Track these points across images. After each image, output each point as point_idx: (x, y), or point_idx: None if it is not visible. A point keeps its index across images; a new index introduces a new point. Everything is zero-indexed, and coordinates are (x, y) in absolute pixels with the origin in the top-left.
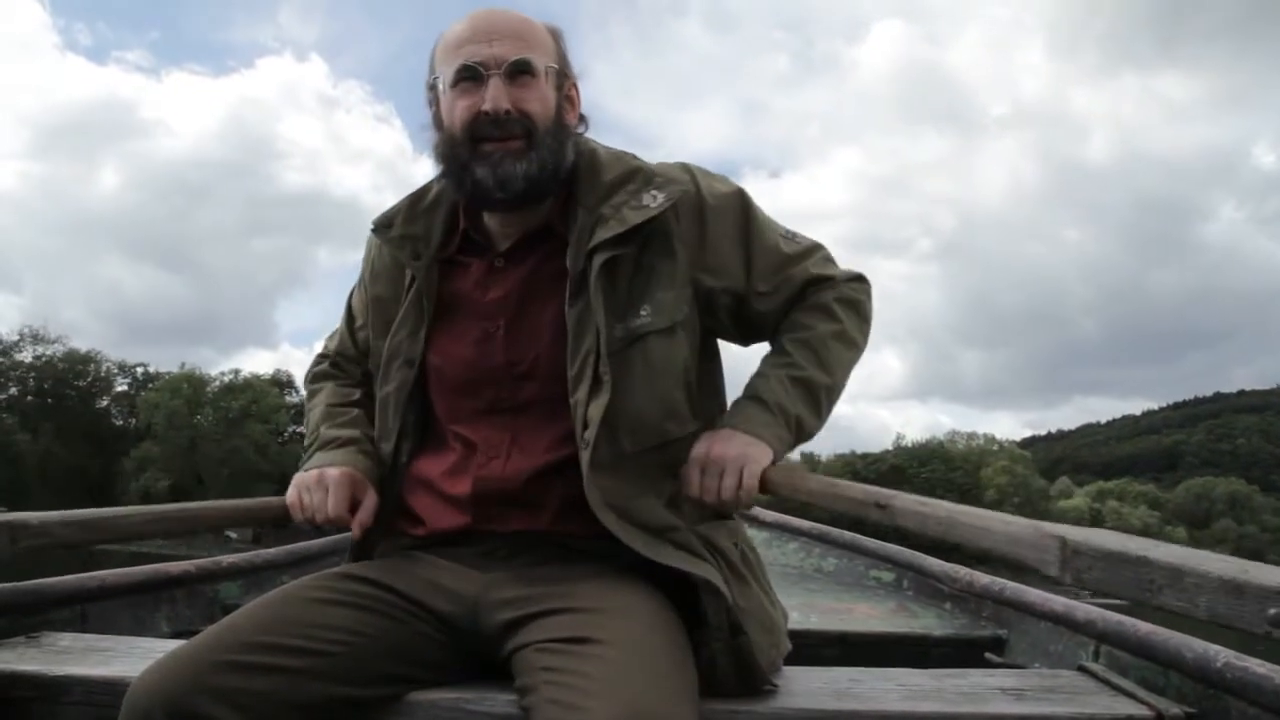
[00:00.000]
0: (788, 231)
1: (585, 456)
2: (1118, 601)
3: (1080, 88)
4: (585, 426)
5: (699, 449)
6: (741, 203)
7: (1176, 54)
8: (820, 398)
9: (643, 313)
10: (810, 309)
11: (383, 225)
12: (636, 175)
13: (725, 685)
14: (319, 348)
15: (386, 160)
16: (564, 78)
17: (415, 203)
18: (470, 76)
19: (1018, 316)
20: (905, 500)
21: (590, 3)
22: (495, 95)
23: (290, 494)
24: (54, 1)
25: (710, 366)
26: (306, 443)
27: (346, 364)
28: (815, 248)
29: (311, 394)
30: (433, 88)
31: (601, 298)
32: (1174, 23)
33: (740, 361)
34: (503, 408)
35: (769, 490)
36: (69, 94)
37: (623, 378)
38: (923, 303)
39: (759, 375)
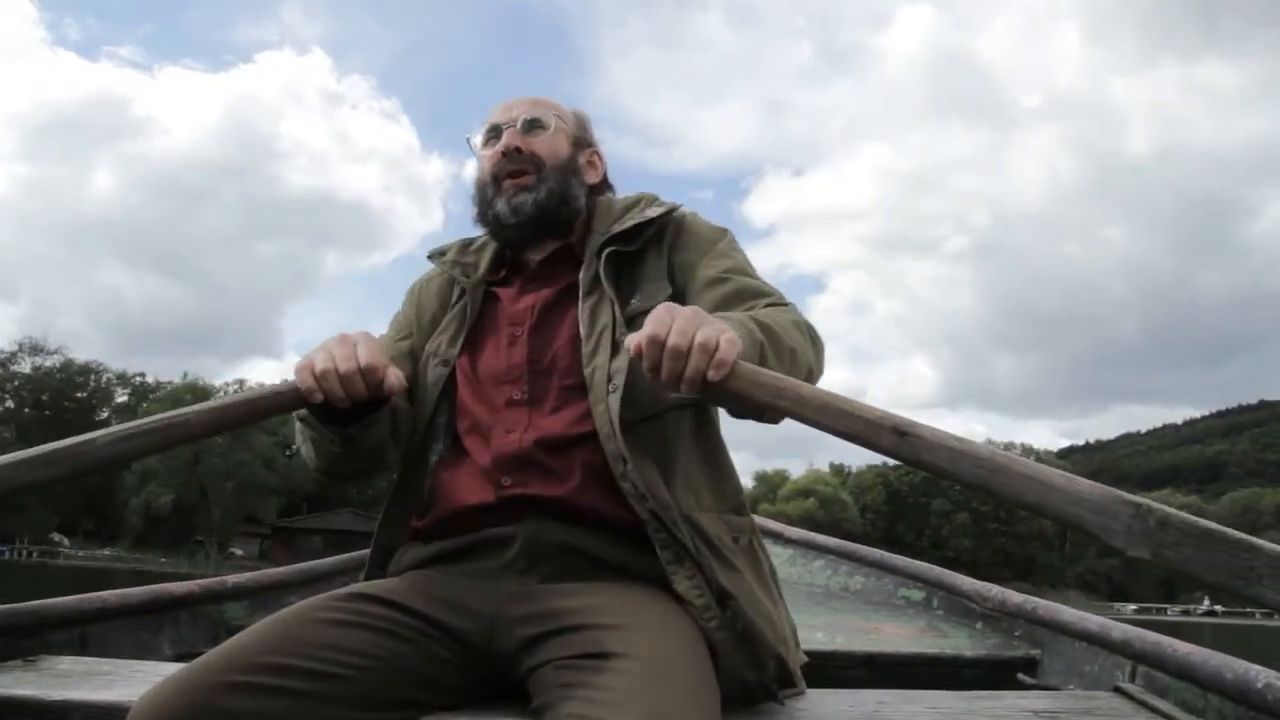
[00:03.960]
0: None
1: (614, 400)
2: (1151, 616)
3: (1118, 77)
4: (609, 380)
5: (659, 309)
6: (724, 231)
7: (1220, 39)
8: (780, 341)
9: (633, 301)
10: (765, 310)
11: (438, 253)
12: (643, 198)
13: (736, 673)
14: None
15: (395, 159)
16: (582, 144)
17: (467, 244)
18: (494, 134)
19: (1053, 319)
20: (934, 433)
21: (607, 1)
22: (509, 137)
23: (300, 364)
24: None
25: None
26: None
27: None
28: (779, 294)
29: None
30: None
31: (612, 288)
32: (1217, 6)
33: None
34: (521, 400)
35: (739, 386)
36: (59, 92)
37: None
38: (954, 306)
39: None
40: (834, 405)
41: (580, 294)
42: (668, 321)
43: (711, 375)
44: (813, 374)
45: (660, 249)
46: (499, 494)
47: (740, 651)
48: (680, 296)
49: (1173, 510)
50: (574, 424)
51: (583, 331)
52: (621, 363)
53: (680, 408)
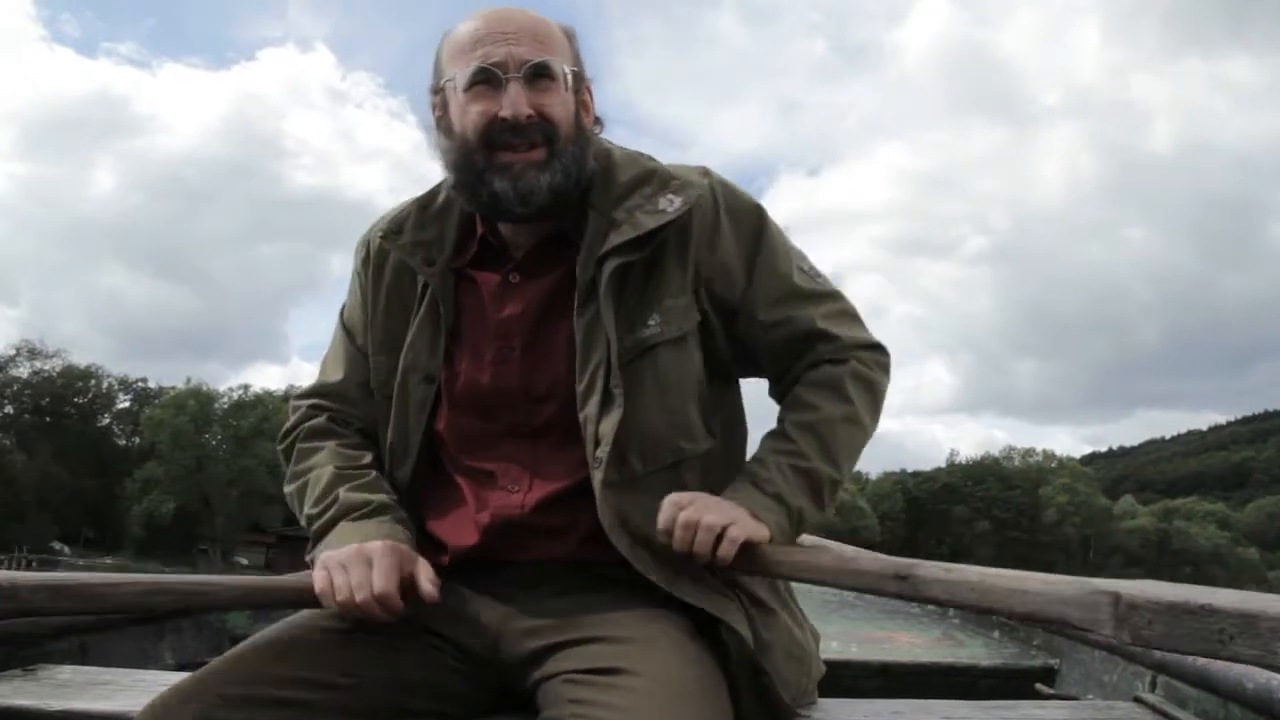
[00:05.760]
0: (810, 266)
1: (597, 477)
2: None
3: (1140, 74)
4: (597, 444)
5: (686, 494)
6: (758, 216)
7: (1246, 35)
8: (824, 491)
9: (651, 322)
10: (818, 385)
11: (392, 231)
12: (652, 178)
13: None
14: (302, 390)
15: (402, 159)
16: (581, 80)
17: (424, 207)
18: (486, 79)
19: (1075, 323)
20: (928, 569)
21: None
22: (515, 100)
23: (318, 576)
24: None
25: (726, 382)
26: (314, 510)
27: (347, 410)
28: (832, 295)
29: (305, 454)
30: (439, 90)
31: (611, 307)
32: (1243, 0)
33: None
34: (521, 432)
35: (755, 569)
36: (57, 89)
37: (633, 392)
38: (973, 308)
39: (758, 460)
40: (846, 569)
41: (575, 303)
42: (672, 516)
43: (718, 561)
44: (866, 434)
45: (683, 249)
46: (496, 555)
47: (759, 713)
48: (706, 307)
49: (1139, 590)
50: (580, 465)
51: (577, 360)
52: (609, 426)
53: (706, 453)
